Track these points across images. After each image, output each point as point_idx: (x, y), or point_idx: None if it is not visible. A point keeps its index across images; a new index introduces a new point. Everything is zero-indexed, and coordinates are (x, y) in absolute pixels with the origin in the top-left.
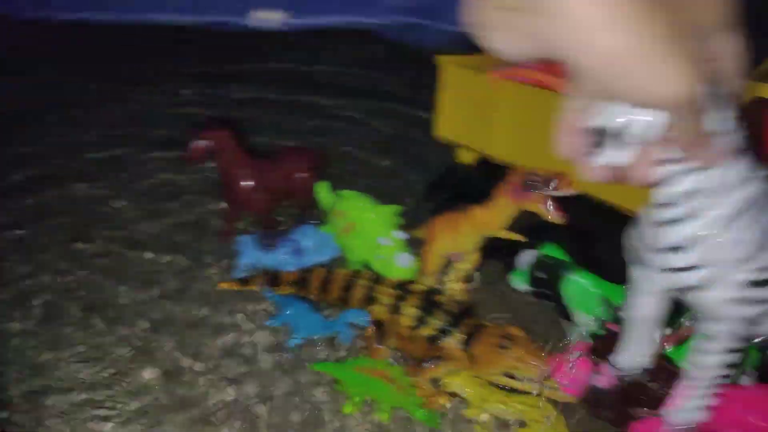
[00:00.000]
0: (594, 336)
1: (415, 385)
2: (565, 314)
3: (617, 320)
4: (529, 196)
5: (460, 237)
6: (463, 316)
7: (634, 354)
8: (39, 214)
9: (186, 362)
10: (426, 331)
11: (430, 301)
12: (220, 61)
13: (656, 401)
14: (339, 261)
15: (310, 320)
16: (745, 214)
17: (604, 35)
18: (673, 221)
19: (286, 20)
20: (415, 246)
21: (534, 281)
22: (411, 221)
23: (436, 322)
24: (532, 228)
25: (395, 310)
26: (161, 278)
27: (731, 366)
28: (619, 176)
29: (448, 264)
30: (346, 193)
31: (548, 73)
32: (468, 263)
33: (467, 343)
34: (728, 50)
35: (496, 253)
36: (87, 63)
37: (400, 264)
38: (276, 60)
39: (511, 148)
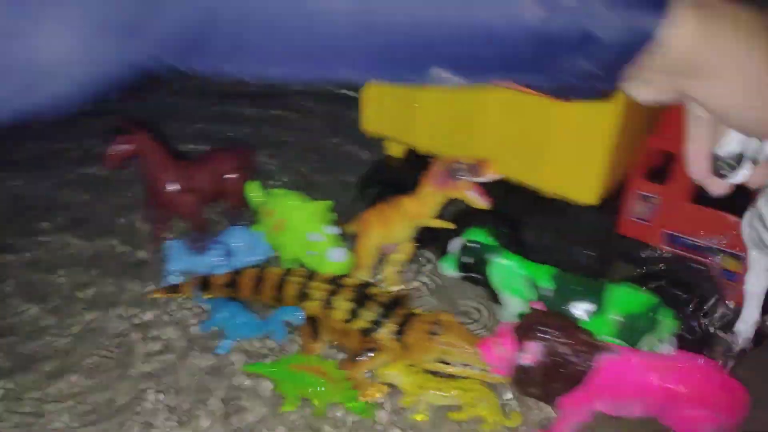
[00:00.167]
0: (521, 316)
1: (349, 378)
2: (495, 297)
3: (542, 299)
4: (454, 184)
5: (392, 228)
6: (396, 306)
7: (749, 321)
8: None
9: (117, 372)
10: (359, 324)
11: (362, 294)
12: None
13: (580, 375)
14: (272, 260)
15: (243, 322)
16: None
17: (751, 97)
18: None
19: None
20: (349, 240)
21: (461, 266)
22: (343, 216)
23: (368, 315)
24: (460, 215)
25: (328, 304)
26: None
27: None
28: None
29: (382, 256)
30: (276, 191)
31: None
32: (402, 254)
33: (400, 332)
34: None
35: (429, 242)
36: None
37: (332, 259)
38: None
39: (436, 138)
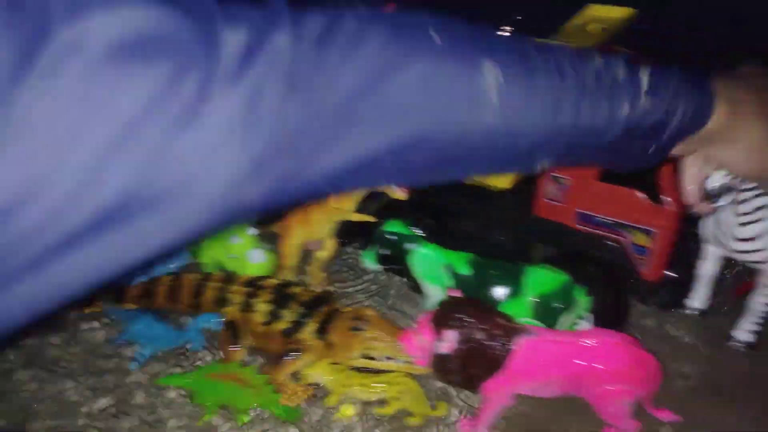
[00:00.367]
0: (440, 304)
1: (272, 381)
2: (416, 287)
3: (461, 286)
4: None
5: (314, 226)
6: (318, 304)
7: (703, 298)
8: None
9: (33, 385)
10: (280, 325)
11: (283, 295)
12: None
13: (499, 360)
14: (190, 266)
15: (158, 333)
16: None
17: (753, 156)
18: (749, 222)
19: None
20: (270, 241)
21: (381, 258)
22: (264, 217)
23: (290, 315)
24: (382, 208)
25: (247, 307)
26: None
27: None
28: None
29: (306, 254)
30: None
31: None
32: (326, 251)
33: (323, 331)
34: None
35: (353, 237)
36: None
37: (253, 261)
38: None
39: None
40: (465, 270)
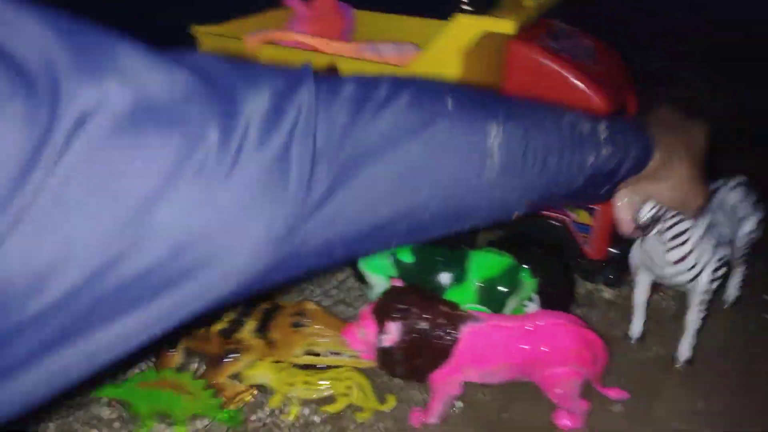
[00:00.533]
0: (382, 294)
1: (212, 386)
2: (361, 277)
3: (404, 274)
4: None
5: None
6: (256, 301)
7: (640, 325)
8: None
9: None
10: (218, 326)
11: None
12: None
13: (444, 349)
14: None
15: None
16: (708, 232)
17: (678, 190)
18: (676, 246)
19: None
20: None
21: None
22: None
23: (227, 314)
24: None
25: None
26: None
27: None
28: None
29: None
30: None
31: (307, 34)
32: None
33: (263, 329)
34: None
35: None
36: None
37: None
38: None
39: None
40: (408, 257)
